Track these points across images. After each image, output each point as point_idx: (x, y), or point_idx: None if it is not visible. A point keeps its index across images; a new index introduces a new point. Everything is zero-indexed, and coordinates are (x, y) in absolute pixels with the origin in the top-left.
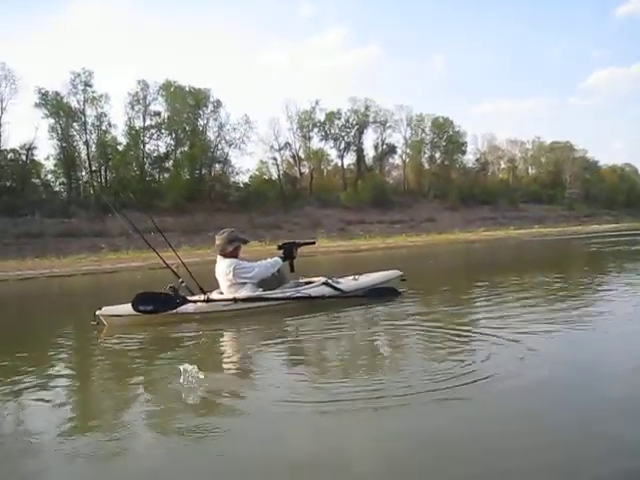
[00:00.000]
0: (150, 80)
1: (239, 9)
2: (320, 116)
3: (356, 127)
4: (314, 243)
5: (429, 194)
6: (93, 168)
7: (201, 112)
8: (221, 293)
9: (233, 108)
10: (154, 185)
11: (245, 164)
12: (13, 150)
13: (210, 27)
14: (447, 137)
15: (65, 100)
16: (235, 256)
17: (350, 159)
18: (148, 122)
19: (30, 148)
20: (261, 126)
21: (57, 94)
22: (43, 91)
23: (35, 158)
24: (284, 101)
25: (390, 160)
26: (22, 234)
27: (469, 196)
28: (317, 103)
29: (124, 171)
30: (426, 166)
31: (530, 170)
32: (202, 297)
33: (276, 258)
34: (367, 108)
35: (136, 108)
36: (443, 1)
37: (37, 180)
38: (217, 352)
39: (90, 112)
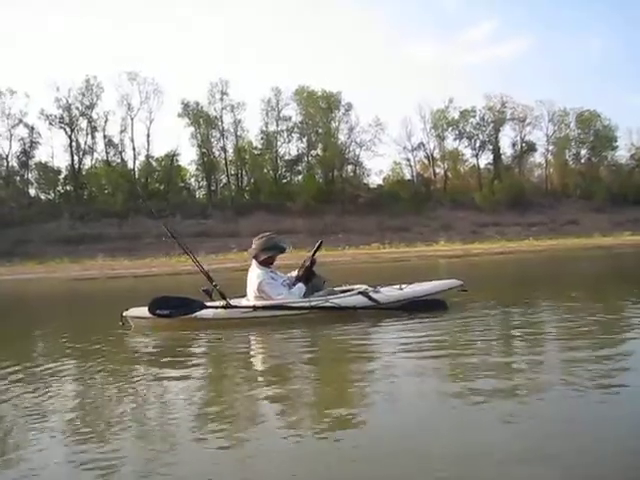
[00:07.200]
0: (283, 86)
1: (375, 11)
2: (454, 114)
3: (492, 125)
4: (321, 243)
5: (574, 194)
6: (231, 172)
7: (333, 115)
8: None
9: (364, 110)
10: (287, 187)
11: (377, 165)
12: (166, 156)
13: (342, 30)
14: (594, 132)
15: (205, 109)
16: (269, 264)
17: (487, 159)
18: (281, 127)
19: (174, 155)
20: (394, 127)
21: (197, 104)
22: (185, 102)
23: (179, 164)
24: (417, 100)
25: (531, 159)
26: (162, 234)
27: (619, 196)
28: (451, 101)
29: (259, 174)
30: (571, 164)
31: None
32: (222, 303)
33: (299, 285)
34: (503, 104)
35: (270, 114)
36: None
37: (181, 184)
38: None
39: (227, 119)
